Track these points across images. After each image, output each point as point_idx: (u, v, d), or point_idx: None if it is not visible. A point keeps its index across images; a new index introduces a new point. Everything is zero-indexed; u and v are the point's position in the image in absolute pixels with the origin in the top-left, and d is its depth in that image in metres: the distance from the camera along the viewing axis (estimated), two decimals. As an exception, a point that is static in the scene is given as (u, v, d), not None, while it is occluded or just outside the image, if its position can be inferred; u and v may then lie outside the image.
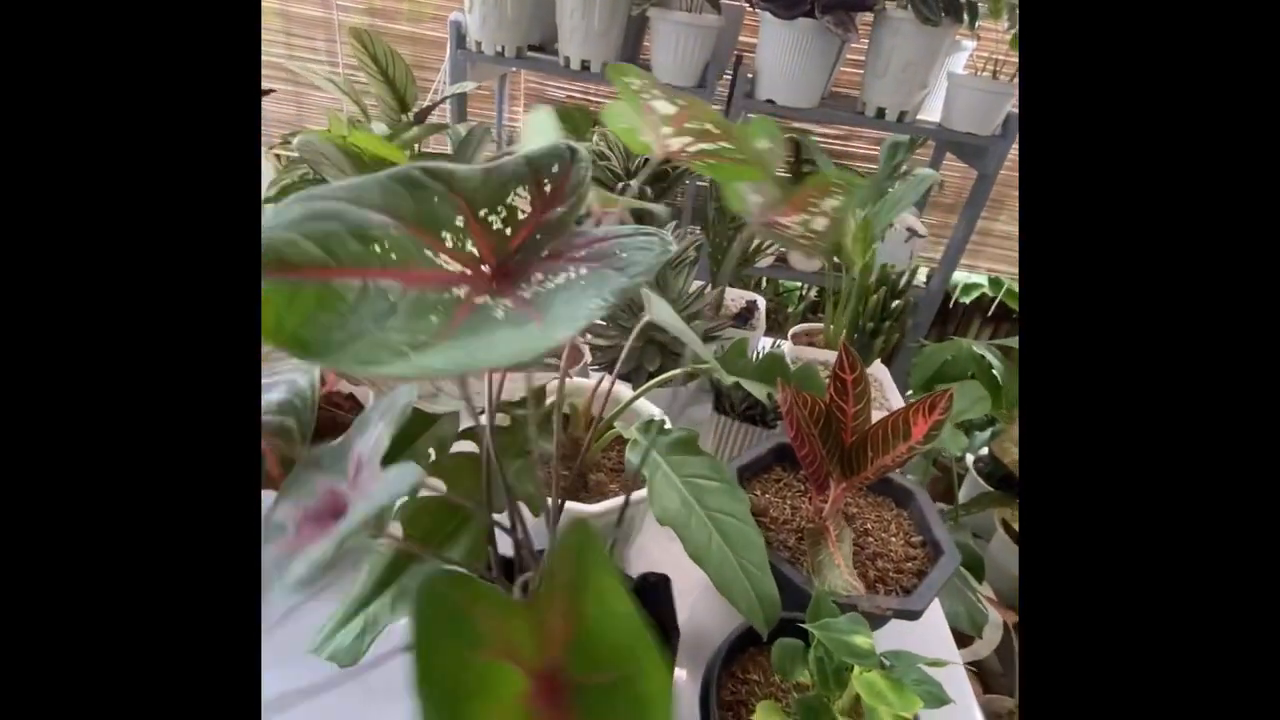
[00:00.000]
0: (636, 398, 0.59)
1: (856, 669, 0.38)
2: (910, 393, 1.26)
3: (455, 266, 0.21)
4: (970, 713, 0.57)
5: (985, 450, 1.77)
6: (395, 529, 0.38)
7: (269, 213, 0.18)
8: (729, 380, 0.57)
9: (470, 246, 0.22)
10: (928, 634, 0.62)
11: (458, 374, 0.21)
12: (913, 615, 0.52)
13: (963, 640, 1.36)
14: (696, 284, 0.83)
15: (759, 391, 0.58)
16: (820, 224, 0.33)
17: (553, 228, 0.23)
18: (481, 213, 0.22)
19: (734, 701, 0.45)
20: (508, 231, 0.22)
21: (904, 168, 1.29)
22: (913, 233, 1.39)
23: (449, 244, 0.21)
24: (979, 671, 1.36)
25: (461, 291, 0.20)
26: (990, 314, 2.30)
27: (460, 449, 0.44)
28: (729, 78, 1.46)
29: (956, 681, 0.58)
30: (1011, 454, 1.37)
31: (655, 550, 0.67)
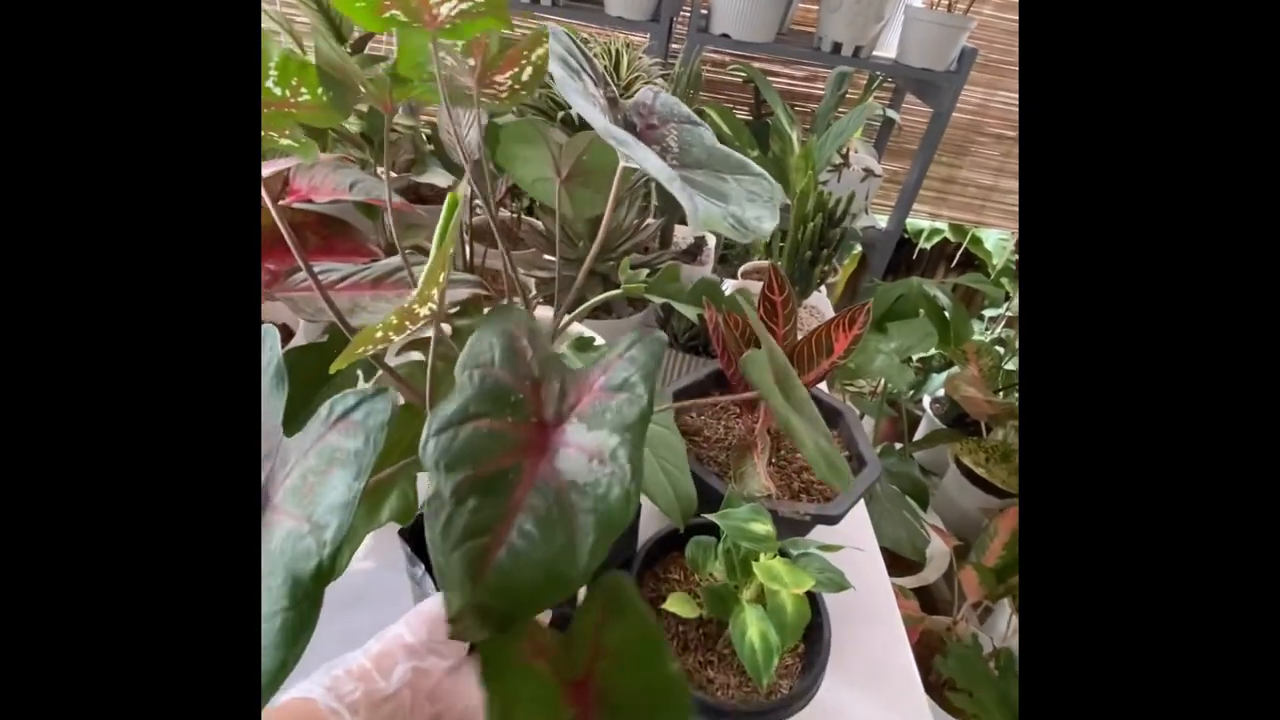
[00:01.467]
0: (572, 320, 0.59)
1: (761, 557, 0.40)
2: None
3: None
4: (896, 628, 0.60)
5: (941, 393, 1.82)
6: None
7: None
8: (659, 300, 0.58)
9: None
10: (861, 559, 0.65)
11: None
12: (830, 520, 0.54)
13: (912, 567, 1.43)
14: (651, 222, 0.82)
15: (690, 313, 0.59)
16: (528, 74, 0.35)
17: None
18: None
19: (655, 598, 0.47)
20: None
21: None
22: (869, 173, 1.40)
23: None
24: (927, 596, 1.42)
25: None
26: (955, 262, 2.33)
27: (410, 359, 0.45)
28: (687, 14, 1.42)
29: (886, 608, 0.61)
30: (963, 391, 1.42)
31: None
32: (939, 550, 1.39)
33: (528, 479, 0.24)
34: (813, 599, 0.46)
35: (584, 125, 0.84)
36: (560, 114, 0.80)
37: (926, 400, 1.83)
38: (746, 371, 0.30)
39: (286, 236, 0.38)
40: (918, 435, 1.73)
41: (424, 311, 0.29)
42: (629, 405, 0.25)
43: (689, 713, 0.24)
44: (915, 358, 2.03)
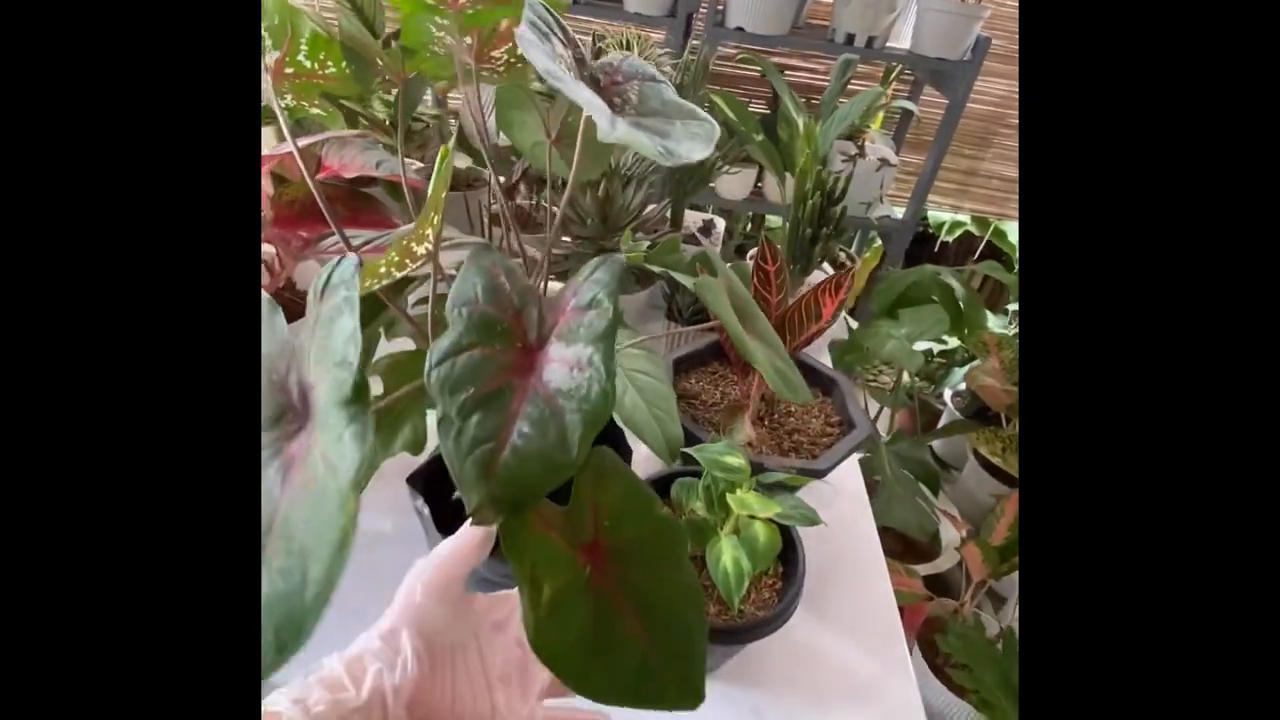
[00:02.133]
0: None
1: (735, 493, 0.44)
2: (875, 316, 1.29)
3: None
4: (883, 584, 0.63)
5: (963, 386, 1.81)
6: (376, 383, 0.43)
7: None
8: (659, 270, 0.62)
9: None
10: (860, 543, 0.67)
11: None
12: (817, 474, 0.57)
13: (926, 555, 1.44)
14: (653, 207, 0.86)
15: (688, 282, 0.63)
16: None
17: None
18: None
19: (645, 537, 0.51)
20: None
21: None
22: (884, 162, 1.41)
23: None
24: (941, 585, 1.43)
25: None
26: (979, 256, 2.31)
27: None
28: (705, 11, 1.46)
29: (882, 593, 0.63)
30: (981, 381, 1.42)
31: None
32: (953, 539, 1.40)
33: (520, 394, 0.28)
34: (788, 536, 0.49)
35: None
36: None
37: (948, 394, 1.82)
38: (701, 295, 0.33)
39: (322, 206, 0.43)
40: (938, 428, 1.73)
41: (421, 250, 0.33)
42: (598, 319, 0.29)
43: (686, 544, 0.29)
44: (937, 351, 2.03)
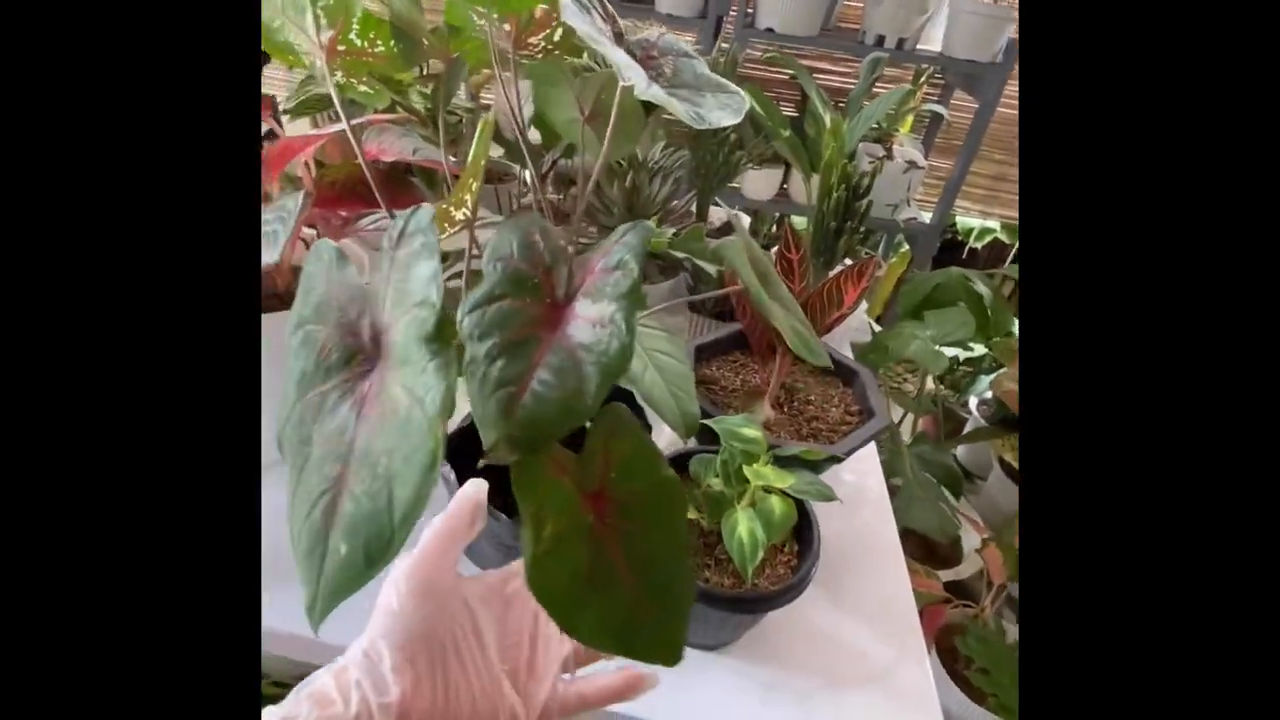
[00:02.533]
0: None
1: (752, 465, 0.45)
2: (899, 317, 1.29)
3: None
4: (901, 575, 0.63)
5: (989, 394, 1.79)
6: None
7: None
8: (681, 254, 0.63)
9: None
10: (879, 534, 0.68)
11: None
12: (835, 459, 0.58)
13: (948, 561, 1.42)
14: (676, 202, 0.88)
15: (710, 268, 0.64)
16: (559, 34, 0.39)
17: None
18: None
19: (663, 512, 0.52)
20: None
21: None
22: (912, 165, 1.41)
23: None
24: (963, 591, 1.41)
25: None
26: (1009, 262, 2.28)
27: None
28: (734, 12, 1.47)
29: (900, 584, 0.63)
30: (1006, 387, 1.40)
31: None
32: (975, 546, 1.38)
33: (544, 345, 0.30)
34: (803, 513, 0.50)
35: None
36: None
37: (973, 402, 1.80)
38: (723, 255, 0.34)
39: (373, 186, 0.45)
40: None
41: (459, 215, 0.35)
42: (623, 279, 0.30)
43: (685, 506, 0.29)
44: (963, 359, 2.01)
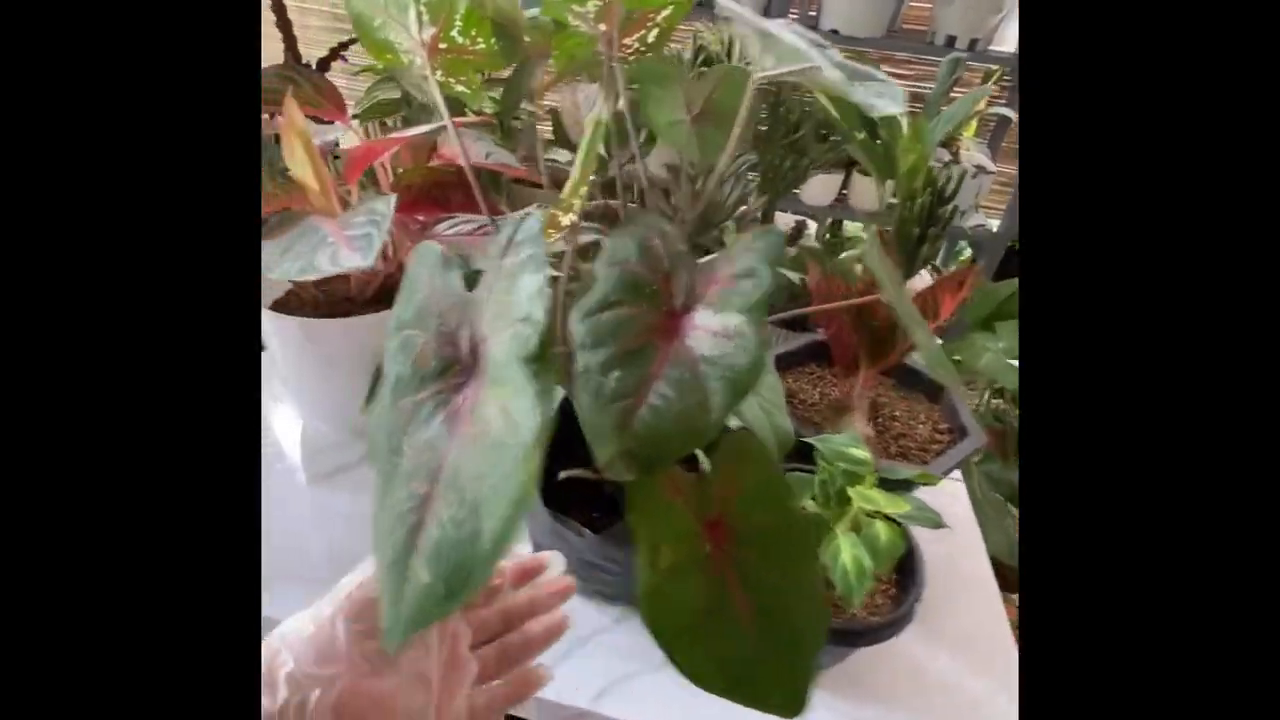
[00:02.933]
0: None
1: (857, 488, 0.42)
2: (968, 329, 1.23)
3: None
4: (994, 602, 0.59)
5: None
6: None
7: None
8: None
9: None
10: (971, 558, 0.64)
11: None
12: (928, 481, 0.55)
13: (1013, 586, 1.35)
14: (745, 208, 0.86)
15: (793, 275, 0.61)
16: (653, 35, 0.37)
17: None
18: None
19: (748, 533, 0.50)
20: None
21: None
22: (980, 169, 1.35)
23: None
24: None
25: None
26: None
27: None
28: (796, 14, 1.44)
29: (994, 612, 0.60)
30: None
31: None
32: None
33: (662, 355, 0.28)
34: (906, 539, 0.46)
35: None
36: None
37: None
38: (866, 260, 0.32)
39: (475, 189, 0.44)
40: (1024, 451, 1.63)
41: (566, 220, 0.33)
42: (754, 288, 0.28)
43: (814, 546, 0.27)
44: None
